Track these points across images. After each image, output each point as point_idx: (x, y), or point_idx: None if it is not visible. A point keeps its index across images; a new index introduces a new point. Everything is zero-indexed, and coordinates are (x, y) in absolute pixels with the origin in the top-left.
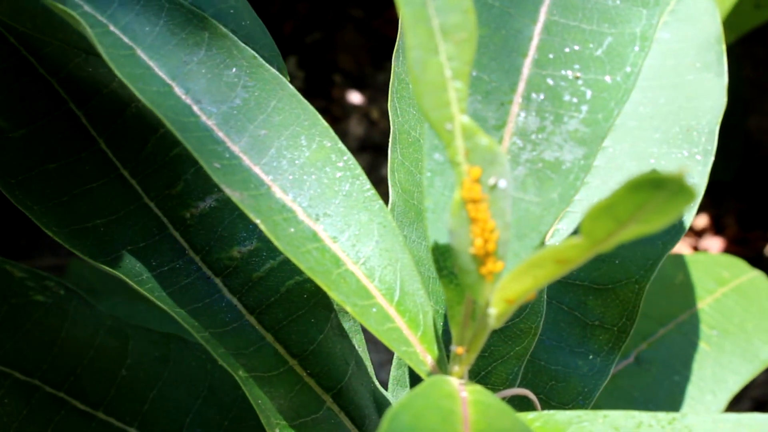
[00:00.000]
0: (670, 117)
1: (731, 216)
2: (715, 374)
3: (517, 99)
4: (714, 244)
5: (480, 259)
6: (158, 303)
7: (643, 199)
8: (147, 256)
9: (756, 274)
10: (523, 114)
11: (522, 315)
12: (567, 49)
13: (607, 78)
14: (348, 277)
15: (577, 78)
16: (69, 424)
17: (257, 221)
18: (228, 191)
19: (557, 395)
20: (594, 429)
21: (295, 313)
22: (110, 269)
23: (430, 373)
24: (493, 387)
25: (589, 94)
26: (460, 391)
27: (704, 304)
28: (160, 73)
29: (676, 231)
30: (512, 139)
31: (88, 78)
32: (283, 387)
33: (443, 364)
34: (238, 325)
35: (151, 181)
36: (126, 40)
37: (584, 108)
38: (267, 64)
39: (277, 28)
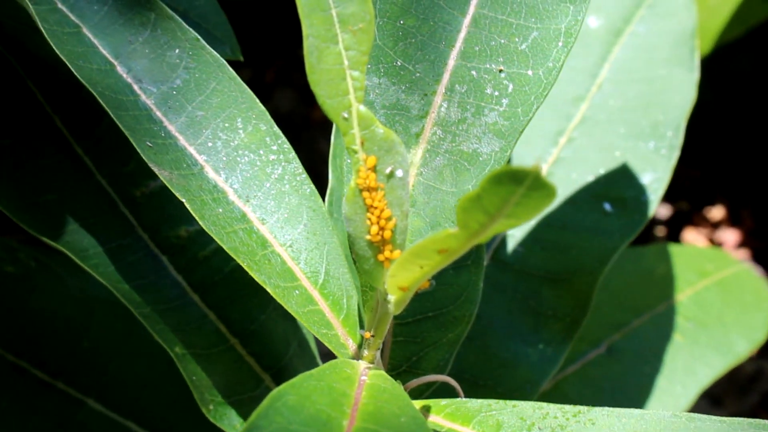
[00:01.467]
0: (639, 111)
1: (748, 208)
2: (687, 366)
3: (441, 90)
4: (730, 236)
5: (376, 247)
6: (100, 279)
7: (506, 192)
8: (95, 232)
9: (742, 267)
10: (445, 105)
11: (456, 302)
12: (493, 42)
13: (530, 72)
14: (273, 259)
15: (501, 71)
16: (27, 393)
17: (183, 200)
18: (156, 170)
19: (504, 382)
20: (502, 418)
21: (238, 292)
22: (55, 244)
23: (351, 358)
24: (423, 372)
25: (510, 87)
26: (362, 375)
27: (683, 296)
28: (104, 52)
29: (634, 223)
30: (433, 129)
31: (47, 57)
32: (221, 364)
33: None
34: (182, 302)
35: (104, 158)
36: (73, 17)
37: (505, 101)
38: (209, 47)
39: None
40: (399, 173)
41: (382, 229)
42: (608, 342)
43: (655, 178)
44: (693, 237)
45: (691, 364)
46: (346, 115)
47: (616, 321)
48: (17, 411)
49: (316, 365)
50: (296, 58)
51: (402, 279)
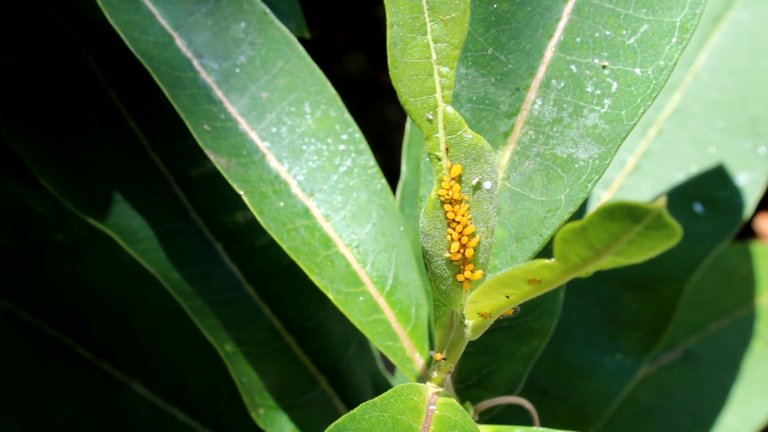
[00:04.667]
0: (737, 105)
1: None
2: (767, 377)
3: (535, 84)
4: None
5: (456, 266)
6: (148, 266)
7: (618, 229)
8: (146, 213)
9: None
10: (539, 102)
11: (534, 313)
12: (597, 34)
13: (637, 70)
14: (337, 260)
15: (604, 67)
16: (70, 373)
17: (240, 192)
18: (212, 157)
19: (577, 394)
20: None
21: (296, 286)
22: (102, 225)
23: (418, 374)
24: (494, 388)
25: (615, 86)
26: (430, 403)
27: (766, 300)
28: (163, 22)
29: (726, 227)
30: (524, 129)
31: (103, 22)
32: (274, 364)
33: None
34: (235, 294)
35: (159, 134)
36: None
37: (607, 102)
38: (278, 22)
39: None
40: (487, 185)
41: (464, 246)
42: (684, 346)
43: (751, 179)
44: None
45: None
46: (430, 117)
47: (693, 324)
48: (58, 392)
49: (376, 369)
50: (370, 19)
51: (484, 306)
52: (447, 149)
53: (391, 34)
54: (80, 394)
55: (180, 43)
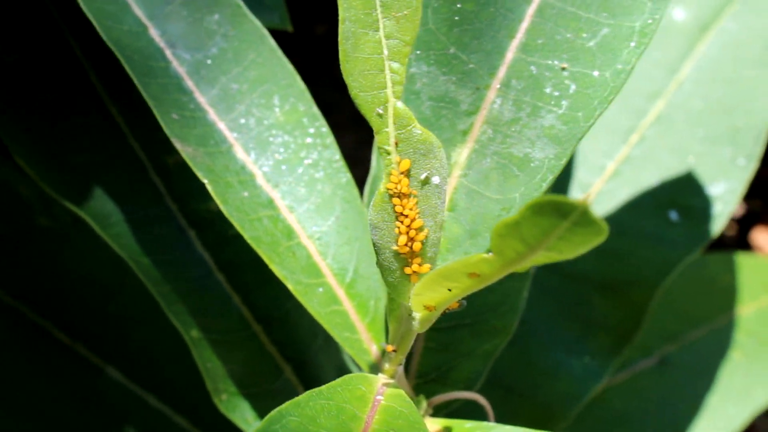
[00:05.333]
0: (720, 114)
1: None
2: (744, 386)
3: (495, 84)
4: None
5: (403, 259)
6: (119, 250)
7: (548, 225)
8: (121, 198)
9: None
10: (499, 101)
11: (497, 311)
12: (558, 36)
13: (596, 73)
14: (298, 251)
15: (564, 69)
16: (47, 355)
17: (204, 181)
18: (179, 146)
19: (542, 393)
20: None
21: (266, 275)
22: (76, 209)
23: (373, 365)
24: (453, 384)
25: (573, 88)
26: (378, 393)
27: (747, 310)
28: (138, 12)
29: (700, 235)
30: (483, 128)
31: None
32: (240, 352)
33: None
34: (206, 282)
35: (139, 122)
36: None
37: (565, 103)
38: (251, 15)
39: None
40: (435, 180)
41: (411, 240)
42: (661, 353)
43: (728, 188)
44: (764, 238)
45: (748, 384)
46: (380, 111)
47: (671, 331)
48: (34, 374)
49: (341, 362)
50: None
51: (428, 298)
52: (396, 144)
53: (343, 29)
54: (56, 376)
55: (154, 32)
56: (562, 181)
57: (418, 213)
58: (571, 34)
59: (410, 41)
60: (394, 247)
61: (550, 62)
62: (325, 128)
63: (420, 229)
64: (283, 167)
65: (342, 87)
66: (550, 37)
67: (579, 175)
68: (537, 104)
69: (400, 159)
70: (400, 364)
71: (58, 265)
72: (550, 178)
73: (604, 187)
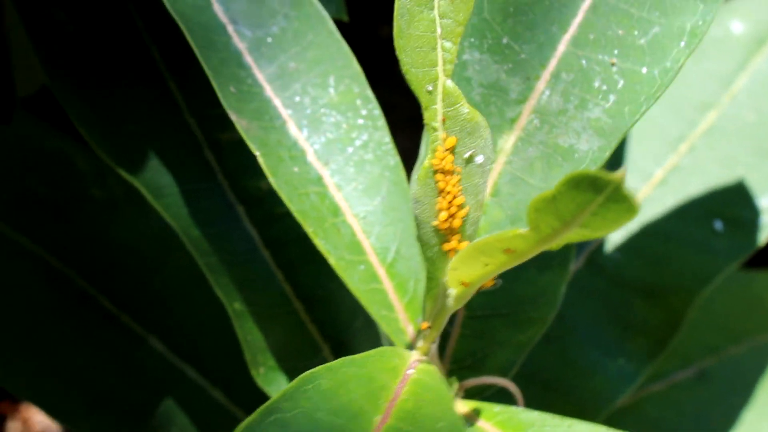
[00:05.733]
0: None
1: None
2: None
3: (546, 76)
4: None
5: (443, 235)
6: (170, 220)
7: (583, 199)
8: (175, 171)
9: None
10: (547, 92)
11: (535, 303)
12: (610, 32)
13: (644, 69)
14: (343, 229)
15: (613, 64)
16: (91, 322)
17: (257, 153)
18: (234, 118)
19: (576, 391)
20: None
21: (310, 255)
22: (131, 177)
23: (408, 344)
24: (487, 371)
25: (621, 83)
26: (409, 368)
27: None
28: None
29: (744, 246)
30: (530, 117)
31: None
32: (280, 327)
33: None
34: (251, 257)
35: (196, 97)
36: None
37: (612, 97)
38: None
39: None
40: (479, 159)
41: (451, 216)
42: (700, 365)
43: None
44: None
45: None
46: (430, 88)
47: (711, 344)
48: (76, 338)
49: (379, 344)
50: None
51: (464, 274)
52: (443, 121)
53: (399, 5)
54: (98, 342)
55: (217, 8)
56: None
57: (460, 190)
58: (622, 31)
59: (463, 21)
60: (435, 222)
61: (600, 57)
62: (378, 111)
63: (461, 206)
64: (334, 146)
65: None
66: (601, 32)
67: (627, 180)
68: (585, 97)
69: (447, 136)
70: (434, 342)
71: (108, 236)
72: (594, 168)
73: (652, 193)
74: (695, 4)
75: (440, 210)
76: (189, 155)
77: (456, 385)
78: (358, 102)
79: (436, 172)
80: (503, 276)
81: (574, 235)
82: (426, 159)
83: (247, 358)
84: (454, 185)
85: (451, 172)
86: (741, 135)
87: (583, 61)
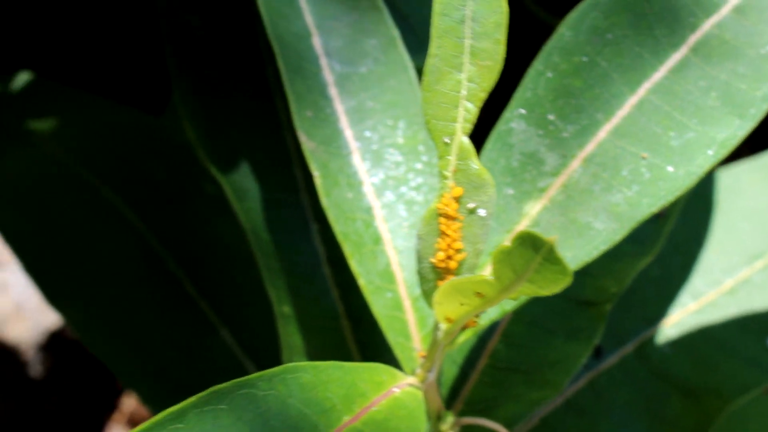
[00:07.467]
0: None
1: None
2: None
3: (581, 156)
4: None
5: (439, 272)
6: (244, 221)
7: (528, 256)
8: (261, 179)
9: None
10: (579, 171)
11: (553, 367)
12: (648, 129)
13: (671, 168)
14: (380, 257)
15: (644, 158)
16: (171, 301)
17: (315, 173)
18: (303, 138)
19: None
20: None
21: None
22: (221, 176)
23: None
24: (494, 419)
25: (647, 176)
26: (396, 386)
27: None
28: (308, 19)
29: None
30: (559, 190)
31: None
32: (323, 339)
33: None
34: (312, 272)
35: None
36: None
37: (635, 187)
38: (402, 48)
39: None
40: (481, 212)
41: (449, 257)
42: None
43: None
44: None
45: None
46: (447, 140)
47: None
48: (157, 313)
49: None
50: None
51: (446, 310)
52: (454, 171)
53: (430, 63)
54: (174, 320)
55: (316, 40)
56: (674, 285)
57: (460, 236)
58: (660, 130)
59: (487, 88)
60: (432, 260)
61: (633, 149)
62: (435, 160)
63: (458, 251)
64: (390, 183)
65: None
66: (641, 127)
67: (695, 282)
68: (611, 182)
69: (454, 185)
70: (429, 371)
71: (207, 229)
72: (603, 248)
73: (717, 299)
74: (731, 118)
75: (439, 249)
76: (278, 168)
77: (451, 419)
78: (421, 148)
79: (440, 215)
80: (528, 338)
81: (525, 288)
82: (433, 202)
83: (283, 358)
84: (454, 230)
85: (453, 218)
86: None
87: (618, 150)
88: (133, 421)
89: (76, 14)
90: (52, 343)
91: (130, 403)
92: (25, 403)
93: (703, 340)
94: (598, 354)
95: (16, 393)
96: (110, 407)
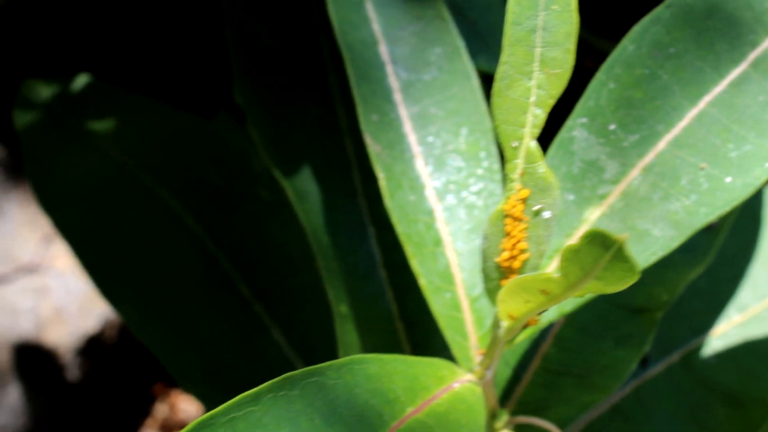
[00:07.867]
0: None
1: None
2: None
3: (641, 165)
4: None
5: (503, 271)
6: (304, 222)
7: (597, 253)
8: (322, 182)
9: None
10: (638, 180)
11: (603, 372)
12: (708, 140)
13: (728, 179)
14: (440, 259)
15: (702, 168)
16: (226, 303)
17: (380, 175)
18: (369, 141)
19: None
20: None
21: None
22: (283, 178)
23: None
24: (545, 420)
25: (705, 186)
26: (456, 381)
27: None
28: (375, 28)
29: None
30: (618, 197)
31: None
32: (377, 338)
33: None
34: (368, 274)
35: (357, 125)
36: None
37: (693, 197)
38: (466, 57)
39: None
40: (546, 214)
41: (513, 257)
42: None
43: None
44: None
45: None
46: (515, 145)
47: None
48: (211, 314)
49: None
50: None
51: (510, 307)
52: (521, 174)
53: (501, 70)
54: (228, 322)
55: (383, 48)
56: (722, 297)
57: (525, 237)
58: (719, 141)
59: (556, 95)
60: (497, 259)
61: (692, 160)
62: (497, 165)
63: (522, 251)
64: (452, 187)
65: None
66: (700, 139)
67: (741, 295)
68: (669, 191)
69: (521, 188)
70: (487, 368)
71: (262, 233)
72: (660, 254)
73: (762, 312)
74: None
75: (504, 249)
76: (339, 172)
77: (505, 417)
78: (482, 154)
79: (506, 216)
80: (580, 342)
81: (592, 286)
82: (500, 203)
83: (339, 354)
84: (519, 231)
85: (519, 220)
86: None
87: (677, 160)
88: (165, 427)
89: (132, 19)
90: (90, 347)
91: (163, 409)
92: (61, 406)
93: (748, 352)
94: (645, 362)
95: (53, 396)
96: (144, 413)
